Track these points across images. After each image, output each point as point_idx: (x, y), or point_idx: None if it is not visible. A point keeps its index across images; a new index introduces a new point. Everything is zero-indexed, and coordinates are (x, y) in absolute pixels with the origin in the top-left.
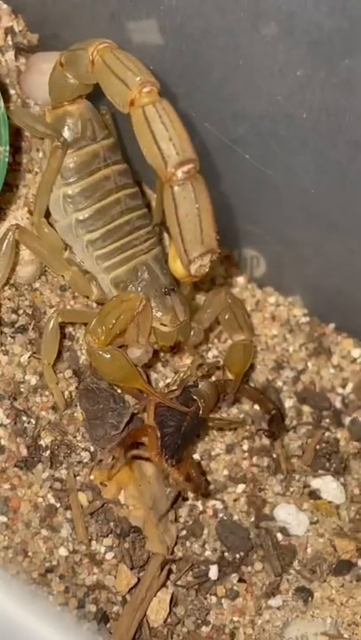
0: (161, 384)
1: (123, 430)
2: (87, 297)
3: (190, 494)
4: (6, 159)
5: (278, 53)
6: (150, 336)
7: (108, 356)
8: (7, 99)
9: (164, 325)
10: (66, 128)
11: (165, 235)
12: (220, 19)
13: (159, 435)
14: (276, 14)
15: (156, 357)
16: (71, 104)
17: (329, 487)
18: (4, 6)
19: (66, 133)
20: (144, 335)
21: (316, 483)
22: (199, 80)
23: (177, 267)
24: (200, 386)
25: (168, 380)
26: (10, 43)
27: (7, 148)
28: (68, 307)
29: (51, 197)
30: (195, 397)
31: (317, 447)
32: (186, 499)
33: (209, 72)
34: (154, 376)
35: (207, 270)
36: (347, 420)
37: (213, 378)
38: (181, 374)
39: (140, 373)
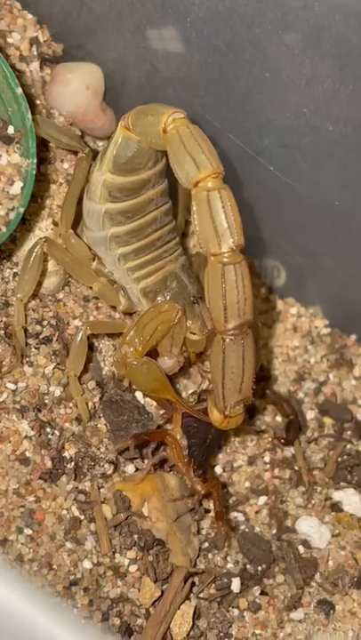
0: (183, 394)
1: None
2: (114, 307)
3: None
4: (34, 171)
5: (305, 66)
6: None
7: (145, 366)
8: (32, 109)
9: (194, 334)
10: (127, 151)
11: None
12: (247, 31)
13: (186, 444)
14: (303, 27)
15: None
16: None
17: (351, 500)
18: (30, 16)
19: (130, 158)
20: (177, 345)
21: (337, 495)
22: (224, 92)
23: (213, 414)
24: None
25: (190, 391)
26: (35, 53)
27: (34, 160)
28: (92, 317)
29: (91, 208)
30: None
31: (339, 459)
32: (208, 511)
33: (235, 84)
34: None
35: (242, 416)
36: None
37: None
38: (207, 383)
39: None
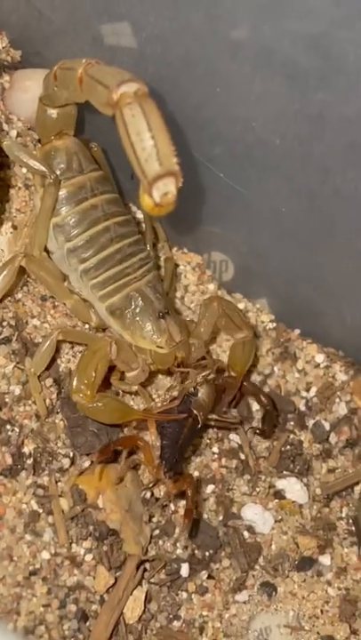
0: (160, 392)
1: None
2: (87, 323)
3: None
4: None
5: (255, 84)
6: (146, 357)
7: (100, 404)
8: None
9: (161, 347)
10: (54, 162)
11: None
12: (200, 49)
13: (158, 445)
14: (253, 49)
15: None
16: (58, 139)
17: (293, 488)
18: None
19: (54, 167)
20: (133, 361)
21: (280, 483)
22: (178, 104)
23: (144, 199)
24: (199, 393)
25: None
26: None
27: None
28: (49, 316)
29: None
30: (193, 409)
31: (283, 449)
32: (158, 499)
33: (187, 97)
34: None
35: (174, 199)
36: (310, 423)
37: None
38: (182, 382)
39: (142, 392)
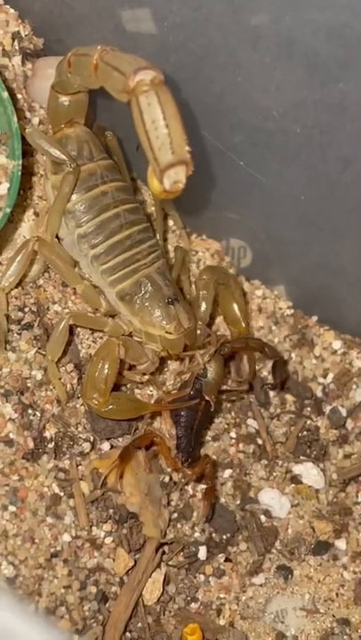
0: (170, 377)
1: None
2: (97, 309)
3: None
4: (19, 173)
5: (276, 73)
6: (156, 344)
7: (114, 406)
8: (14, 104)
9: (169, 334)
10: (65, 150)
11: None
12: (222, 38)
13: (174, 433)
14: (276, 39)
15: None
16: (69, 127)
17: (310, 473)
18: (12, 11)
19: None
20: (142, 356)
21: (297, 468)
22: (199, 92)
23: (153, 183)
24: (208, 373)
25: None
26: (17, 47)
27: (20, 162)
28: (70, 302)
29: None
30: (205, 394)
31: (299, 435)
32: (176, 483)
33: (209, 85)
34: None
35: (182, 187)
36: (327, 409)
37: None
38: (190, 365)
39: (153, 382)
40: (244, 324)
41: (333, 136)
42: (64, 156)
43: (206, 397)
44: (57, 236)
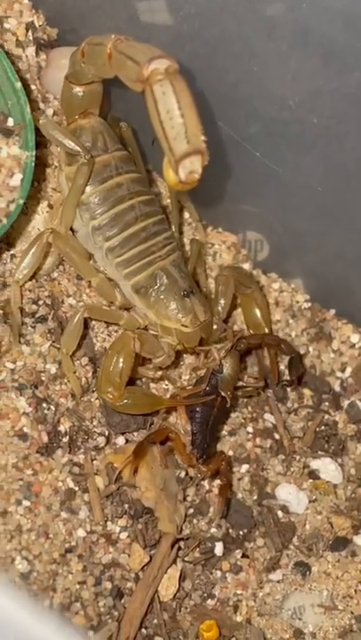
0: (185, 371)
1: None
2: (112, 303)
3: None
4: (33, 164)
5: (292, 62)
6: (172, 337)
7: (130, 400)
8: (28, 95)
9: (185, 327)
10: (79, 141)
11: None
12: (237, 27)
13: (189, 429)
14: (291, 27)
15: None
16: (83, 118)
17: (327, 468)
18: (25, 1)
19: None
20: (157, 350)
21: (315, 463)
22: (214, 82)
23: (168, 174)
24: (224, 369)
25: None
26: (30, 38)
27: (33, 153)
28: (84, 295)
29: None
30: (220, 390)
31: (317, 429)
32: (192, 478)
33: (224, 74)
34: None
35: (198, 177)
36: (345, 404)
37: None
38: (206, 360)
39: (168, 377)
40: (267, 330)
41: (350, 126)
42: (78, 148)
43: (222, 393)
44: (71, 229)
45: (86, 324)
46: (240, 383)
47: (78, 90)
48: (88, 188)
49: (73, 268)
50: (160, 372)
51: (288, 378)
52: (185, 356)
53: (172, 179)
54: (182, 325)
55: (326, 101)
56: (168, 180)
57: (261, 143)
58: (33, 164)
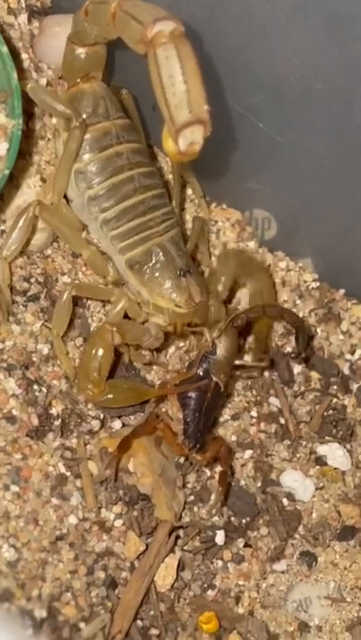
0: (175, 352)
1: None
2: (104, 277)
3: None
4: (19, 132)
5: (294, 25)
6: (163, 318)
7: (111, 395)
8: (20, 64)
9: (179, 307)
10: (80, 106)
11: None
12: None
13: (181, 417)
14: None
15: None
16: (85, 82)
17: (335, 454)
18: None
19: (79, 111)
20: (143, 334)
21: (322, 449)
22: (214, 47)
23: (168, 144)
24: (218, 350)
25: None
26: (23, 5)
27: (20, 121)
28: (80, 274)
29: None
30: (213, 375)
31: (325, 414)
32: (193, 464)
33: (224, 40)
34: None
35: (199, 148)
36: (354, 387)
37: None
38: (199, 344)
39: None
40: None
41: (357, 90)
42: (68, 111)
43: (214, 378)
44: (66, 198)
45: (82, 303)
46: (241, 362)
47: (81, 51)
48: (86, 156)
49: (63, 241)
50: (148, 357)
51: (294, 350)
52: (176, 340)
53: (171, 149)
54: (176, 305)
55: (330, 66)
56: (167, 151)
57: (265, 113)
58: (20, 133)
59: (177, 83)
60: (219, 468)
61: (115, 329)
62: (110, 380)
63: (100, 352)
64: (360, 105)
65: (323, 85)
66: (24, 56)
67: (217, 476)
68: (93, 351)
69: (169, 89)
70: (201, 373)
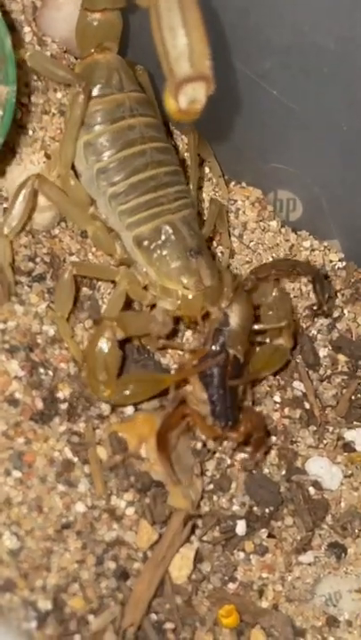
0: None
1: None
2: (110, 255)
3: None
4: (14, 99)
5: None
6: (172, 302)
7: (127, 392)
8: (23, 37)
9: (187, 289)
10: (93, 76)
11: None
12: None
13: (206, 397)
14: None
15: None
16: (99, 53)
17: None
18: None
19: (92, 81)
20: (149, 322)
21: (350, 434)
22: (220, 9)
23: (169, 102)
24: (231, 320)
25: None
26: None
27: (14, 87)
28: (90, 254)
29: None
30: (228, 348)
31: (352, 398)
32: (214, 452)
33: (230, 0)
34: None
35: (201, 107)
36: None
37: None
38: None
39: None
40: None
41: None
42: (70, 76)
43: (230, 351)
44: (75, 171)
45: (91, 284)
46: (260, 326)
47: (94, 17)
48: (97, 128)
49: (65, 215)
50: (161, 342)
51: (315, 303)
52: None
53: (172, 107)
54: (184, 287)
55: (343, 23)
56: (168, 108)
57: (278, 79)
58: (14, 100)
59: (178, 35)
60: (241, 455)
61: (115, 323)
62: (123, 376)
63: (104, 351)
64: None
65: (335, 45)
66: (26, 29)
67: (238, 464)
68: (96, 351)
69: (169, 42)
70: (217, 348)
